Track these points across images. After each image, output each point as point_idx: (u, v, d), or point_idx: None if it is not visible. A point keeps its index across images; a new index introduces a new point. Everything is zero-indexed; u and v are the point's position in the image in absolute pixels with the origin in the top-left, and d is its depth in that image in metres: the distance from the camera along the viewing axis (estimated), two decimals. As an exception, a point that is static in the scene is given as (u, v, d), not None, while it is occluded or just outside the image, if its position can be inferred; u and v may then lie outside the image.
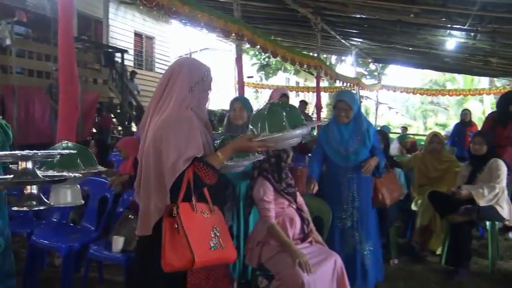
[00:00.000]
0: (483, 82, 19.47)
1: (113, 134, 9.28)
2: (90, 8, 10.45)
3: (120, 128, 9.79)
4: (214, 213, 1.75)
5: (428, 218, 4.15)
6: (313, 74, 15.69)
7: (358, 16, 7.23)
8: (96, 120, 8.80)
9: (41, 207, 1.32)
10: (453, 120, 23.00)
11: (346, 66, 17.91)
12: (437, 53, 8.99)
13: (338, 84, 11.71)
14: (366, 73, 17.14)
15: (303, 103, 8.88)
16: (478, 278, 3.80)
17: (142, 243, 1.79)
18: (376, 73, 15.70)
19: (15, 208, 1.31)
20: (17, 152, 1.31)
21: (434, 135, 4.58)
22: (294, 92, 19.62)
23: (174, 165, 1.62)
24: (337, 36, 8.91)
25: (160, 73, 13.35)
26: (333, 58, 17.62)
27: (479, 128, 8.10)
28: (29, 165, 1.29)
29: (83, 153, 1.97)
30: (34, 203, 1.29)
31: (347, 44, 10.08)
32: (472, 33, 6.75)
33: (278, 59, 6.26)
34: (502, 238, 4.75)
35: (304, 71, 16.25)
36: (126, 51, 9.99)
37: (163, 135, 1.65)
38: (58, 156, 1.41)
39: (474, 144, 3.98)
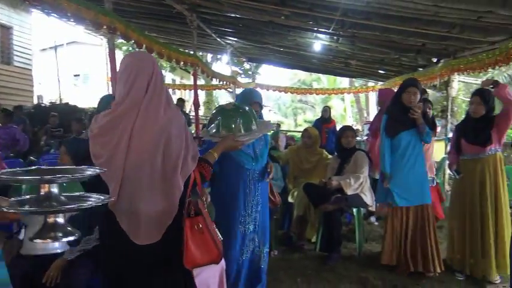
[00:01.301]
0: (344, 82, 21.48)
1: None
2: None
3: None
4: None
5: (303, 208, 4.40)
6: (189, 72, 15.55)
7: (233, 15, 7.36)
8: None
9: (69, 239, 1.12)
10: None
11: (222, 64, 18.17)
12: (305, 54, 9.61)
13: (215, 82, 11.80)
14: (240, 72, 17.61)
15: (180, 101, 8.76)
16: (348, 261, 4.16)
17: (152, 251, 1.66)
18: (250, 72, 16.22)
19: (38, 241, 1.09)
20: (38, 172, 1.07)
21: (305, 130, 4.90)
22: (171, 89, 19.25)
23: (184, 165, 1.62)
24: (213, 35, 8.96)
25: (21, 67, 11.95)
26: (209, 56, 17.74)
27: (337, 124, 8.90)
28: (54, 188, 1.08)
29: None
30: (60, 234, 1.08)
31: (222, 42, 10.21)
32: (335, 37, 7.35)
33: (153, 55, 6.04)
34: (366, 222, 5.28)
35: (181, 68, 16.03)
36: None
37: (171, 136, 1.60)
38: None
39: (347, 138, 4.35)
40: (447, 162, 4.32)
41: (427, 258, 3.74)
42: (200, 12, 7.32)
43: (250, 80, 15.39)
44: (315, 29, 7.02)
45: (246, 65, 16.98)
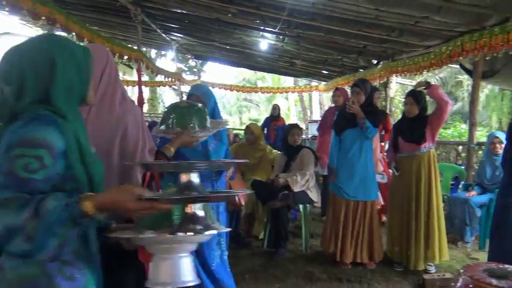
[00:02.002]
0: (288, 81, 21.84)
1: None
2: None
3: None
4: None
5: (251, 206, 4.46)
6: (132, 68, 15.09)
7: (179, 11, 7.25)
8: None
9: (209, 233, 1.11)
10: (263, 115, 25.18)
11: (167, 61, 17.84)
12: (251, 53, 9.67)
13: (159, 78, 11.56)
14: (186, 69, 17.39)
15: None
16: (295, 256, 4.26)
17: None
18: (195, 69, 16.07)
19: (180, 234, 1.13)
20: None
21: (248, 127, 4.98)
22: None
23: (141, 158, 1.56)
24: (158, 30, 8.77)
25: None
26: (153, 52, 17.35)
27: (286, 122, 9.07)
28: (194, 178, 1.12)
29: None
30: (199, 227, 1.09)
31: (168, 38, 10.02)
32: (281, 37, 7.46)
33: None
34: (311, 218, 5.43)
35: (123, 63, 15.53)
36: None
37: (127, 128, 1.54)
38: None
39: (293, 135, 4.44)
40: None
41: (369, 251, 3.93)
42: (145, 6, 7.14)
43: (196, 77, 15.27)
44: (262, 28, 7.08)
45: (192, 62, 16.81)
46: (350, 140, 3.86)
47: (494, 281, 1.03)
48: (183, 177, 1.18)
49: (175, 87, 14.68)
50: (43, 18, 4.35)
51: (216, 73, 41.09)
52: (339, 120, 4.07)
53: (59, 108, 1.18)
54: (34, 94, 1.16)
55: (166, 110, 2.37)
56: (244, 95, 29.52)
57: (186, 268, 1.20)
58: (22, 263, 1.10)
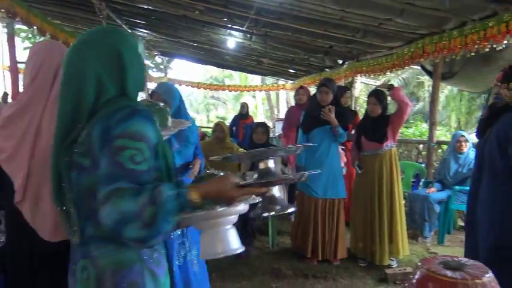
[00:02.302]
0: (255, 80, 21.91)
1: None
2: None
3: None
4: None
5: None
6: (96, 64, 14.67)
7: (146, 7, 7.14)
8: None
9: (286, 212, 1.32)
10: (231, 114, 25.16)
11: (132, 57, 17.43)
12: (219, 51, 9.63)
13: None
14: (152, 66, 17.11)
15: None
16: (262, 253, 4.30)
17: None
18: (162, 66, 15.83)
19: (265, 214, 1.33)
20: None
21: (217, 125, 4.95)
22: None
23: None
24: (124, 26, 8.59)
25: None
26: (118, 48, 16.94)
27: (254, 120, 9.11)
28: (271, 164, 1.30)
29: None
30: (278, 207, 1.29)
31: (133, 34, 9.85)
32: (249, 35, 7.48)
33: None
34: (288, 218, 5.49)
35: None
36: None
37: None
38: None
39: (258, 134, 4.46)
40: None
41: (335, 247, 4.02)
42: (110, 1, 6.98)
43: (162, 74, 15.04)
44: (229, 26, 7.08)
45: (158, 59, 16.53)
46: (318, 139, 3.93)
47: (449, 273, 1.08)
48: (262, 164, 1.36)
49: (141, 84, 14.43)
50: (2, 11, 4.19)
51: (183, 70, 40.74)
52: (306, 119, 4.12)
53: (135, 100, 1.26)
54: (112, 89, 1.21)
55: None
56: (211, 93, 29.38)
57: (233, 238, 1.31)
58: (116, 250, 1.17)
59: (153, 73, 15.94)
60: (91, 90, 1.19)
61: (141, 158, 1.12)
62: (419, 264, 1.15)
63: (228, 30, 7.51)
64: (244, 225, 4.24)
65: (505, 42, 3.75)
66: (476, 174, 2.47)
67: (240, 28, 6.83)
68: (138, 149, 1.12)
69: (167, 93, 2.77)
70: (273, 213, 1.34)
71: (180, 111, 2.73)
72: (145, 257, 1.21)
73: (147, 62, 15.71)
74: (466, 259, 1.20)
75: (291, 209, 1.41)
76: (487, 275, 1.09)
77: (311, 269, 3.90)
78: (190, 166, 2.84)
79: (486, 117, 2.39)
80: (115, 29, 1.32)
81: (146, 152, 1.13)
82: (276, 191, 1.35)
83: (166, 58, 14.69)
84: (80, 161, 1.18)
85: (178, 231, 2.70)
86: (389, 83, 4.28)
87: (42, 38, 4.97)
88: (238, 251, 1.31)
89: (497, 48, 4.01)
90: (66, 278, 1.34)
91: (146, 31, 9.71)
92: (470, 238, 2.48)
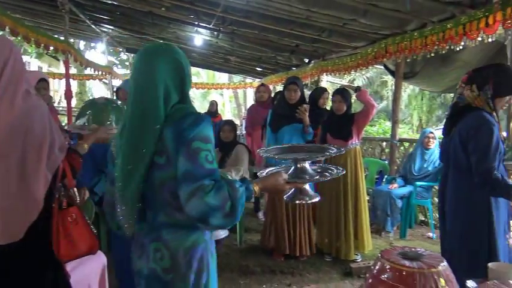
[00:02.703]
0: (223, 78, 21.86)
1: None
2: None
3: None
4: None
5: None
6: (58, 59, 14.33)
7: (110, 2, 6.99)
8: None
9: (313, 201, 1.64)
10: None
11: (97, 53, 17.11)
12: (186, 48, 9.54)
13: (88, 71, 11.05)
14: (117, 62, 16.79)
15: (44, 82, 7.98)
16: (229, 251, 4.32)
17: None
18: (127, 63, 15.56)
19: (297, 201, 1.63)
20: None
21: None
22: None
23: (50, 157, 1.46)
24: (87, 21, 8.39)
25: None
26: (81, 44, 16.56)
27: (223, 118, 9.11)
28: (306, 165, 1.59)
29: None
30: (307, 197, 1.60)
31: (98, 30, 9.62)
32: (216, 33, 7.45)
33: (18, 39, 5.43)
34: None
35: (49, 55, 14.68)
36: None
37: (32, 126, 1.43)
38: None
39: (224, 132, 4.49)
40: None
41: (304, 244, 4.10)
42: (72, -5, 6.81)
43: (128, 71, 14.78)
44: (196, 23, 7.03)
45: (124, 56, 16.23)
46: (288, 137, 3.98)
47: (407, 263, 1.14)
48: (300, 164, 1.60)
49: (106, 81, 14.14)
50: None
51: (149, 67, 39.92)
52: (274, 117, 4.16)
53: (193, 106, 1.49)
54: (175, 96, 1.42)
55: (83, 106, 2.34)
56: (178, 90, 28.95)
57: None
58: (185, 234, 1.41)
59: (118, 70, 15.64)
60: (160, 96, 1.38)
61: (211, 158, 1.34)
62: (379, 255, 1.20)
63: (195, 28, 7.46)
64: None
65: (462, 43, 3.90)
66: (444, 170, 2.63)
67: (207, 26, 6.80)
68: (208, 150, 1.33)
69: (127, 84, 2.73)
70: (303, 201, 1.63)
71: None
72: (206, 238, 1.45)
73: (112, 58, 15.41)
74: (423, 249, 1.26)
75: (317, 199, 1.63)
76: (442, 264, 1.15)
77: (278, 265, 3.96)
78: None
79: (450, 116, 2.52)
80: (176, 46, 1.54)
81: (213, 152, 1.35)
82: (306, 185, 1.62)
83: (132, 55, 14.44)
84: (154, 160, 1.36)
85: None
86: (356, 85, 4.41)
87: (1, 33, 4.77)
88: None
89: (455, 50, 4.18)
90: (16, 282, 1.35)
91: (111, 27, 9.52)
92: (443, 231, 2.63)
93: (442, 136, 2.67)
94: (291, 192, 1.64)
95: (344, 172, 1.67)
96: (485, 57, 4.81)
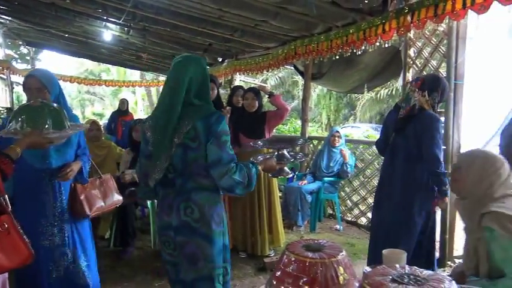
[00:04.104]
0: (135, 75, 21.14)
1: None
2: None
3: None
4: None
5: (95, 205, 4.23)
6: None
7: (7, -9, 6.44)
8: None
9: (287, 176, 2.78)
10: (109, 110, 23.95)
11: (-10, 46, 15.58)
12: (94, 43, 9.08)
13: (-19, 66, 10.04)
14: (16, 56, 15.45)
15: None
16: (143, 253, 4.23)
17: None
18: (28, 57, 14.39)
19: (280, 176, 2.71)
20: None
21: (93, 123, 4.71)
22: None
23: None
24: (-21, 10, 7.64)
25: None
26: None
27: (134, 117, 8.82)
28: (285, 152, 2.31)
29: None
30: (285, 174, 2.38)
31: (-8, 21, 8.80)
32: (126, 28, 7.20)
33: None
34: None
35: None
36: None
37: None
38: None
39: (137, 132, 4.36)
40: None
41: None
42: (-39, -19, 6.16)
43: (29, 66, 13.67)
44: (105, 18, 6.74)
45: (23, 49, 14.97)
46: None
47: (310, 254, 1.22)
48: (280, 151, 2.29)
49: (4, 77, 12.95)
50: None
51: (54, 63, 37.40)
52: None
53: (212, 107, 2.01)
54: (193, 96, 1.94)
55: (16, 110, 2.16)
56: (86, 88, 27.61)
57: None
58: (209, 194, 1.94)
59: (17, 65, 14.41)
60: (183, 88, 1.90)
61: (230, 146, 1.91)
62: (285, 249, 1.27)
63: (104, 23, 7.14)
64: (124, 226, 4.12)
65: (363, 47, 4.20)
66: (389, 162, 3.12)
67: (117, 21, 6.55)
68: (228, 140, 1.90)
69: (46, 78, 2.45)
70: (284, 176, 2.42)
71: (59, 103, 2.41)
72: (221, 199, 2.03)
73: (10, 52, 14.16)
74: (325, 241, 1.36)
75: (291, 175, 1.97)
76: (341, 254, 1.25)
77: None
78: (64, 169, 2.48)
79: (407, 116, 2.95)
80: (202, 59, 2.06)
81: (229, 141, 1.90)
82: (285, 167, 2.33)
83: (33, 49, 13.39)
84: (188, 143, 1.87)
85: (58, 240, 2.49)
86: (269, 85, 4.57)
87: None
88: None
89: (357, 53, 4.48)
90: None
91: (8, 18, 8.74)
92: (377, 212, 3.22)
93: (395, 133, 3.05)
94: (275, 171, 2.27)
95: (308, 157, 1.86)
96: (382, 61, 5.22)
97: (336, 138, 5.33)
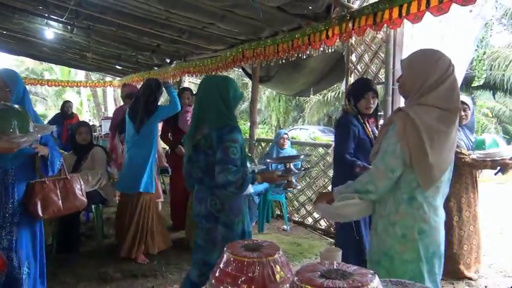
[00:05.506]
0: (80, 75, 20.40)
1: None
2: None
3: None
4: None
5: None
6: None
7: None
8: None
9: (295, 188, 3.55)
10: (52, 111, 22.96)
11: None
12: (35, 41, 8.69)
13: None
14: None
15: None
16: (87, 259, 4.11)
17: None
18: (-39, 55, 13.51)
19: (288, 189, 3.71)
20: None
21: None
22: None
23: None
24: None
25: None
26: None
27: (80, 119, 8.52)
28: (292, 166, 2.69)
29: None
30: (293, 186, 2.78)
31: None
32: (69, 27, 6.96)
33: None
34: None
35: None
36: None
37: None
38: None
39: (81, 134, 4.29)
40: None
41: (155, 242, 4.14)
42: None
43: (-38, 65, 12.84)
44: (46, 15, 6.48)
45: (-45, 46, 14.03)
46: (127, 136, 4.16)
47: (248, 253, 1.27)
48: (288, 165, 2.65)
49: None
50: None
51: (-9, 60, 35.19)
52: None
53: (233, 117, 2.43)
54: (219, 105, 2.39)
55: None
56: (28, 87, 26.19)
57: None
58: (229, 192, 2.29)
59: None
60: (213, 101, 2.38)
61: (236, 152, 2.26)
62: (225, 249, 1.31)
63: (45, 20, 6.86)
64: (69, 231, 3.99)
65: (308, 52, 4.33)
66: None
67: (59, 19, 6.32)
68: (235, 147, 2.25)
69: (10, 77, 2.35)
70: (292, 188, 2.97)
71: (23, 105, 2.31)
72: (241, 195, 2.39)
73: None
74: (264, 240, 1.41)
75: (299, 187, 2.03)
76: (278, 252, 1.30)
77: (141, 268, 3.89)
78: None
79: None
80: (231, 80, 2.53)
81: (238, 148, 2.28)
82: (293, 179, 2.67)
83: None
84: (206, 150, 2.33)
85: (5, 244, 2.39)
86: None
87: None
88: None
89: (303, 57, 4.61)
90: None
91: None
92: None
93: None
94: (283, 183, 2.71)
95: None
96: (327, 65, 5.40)
97: (285, 140, 5.44)
